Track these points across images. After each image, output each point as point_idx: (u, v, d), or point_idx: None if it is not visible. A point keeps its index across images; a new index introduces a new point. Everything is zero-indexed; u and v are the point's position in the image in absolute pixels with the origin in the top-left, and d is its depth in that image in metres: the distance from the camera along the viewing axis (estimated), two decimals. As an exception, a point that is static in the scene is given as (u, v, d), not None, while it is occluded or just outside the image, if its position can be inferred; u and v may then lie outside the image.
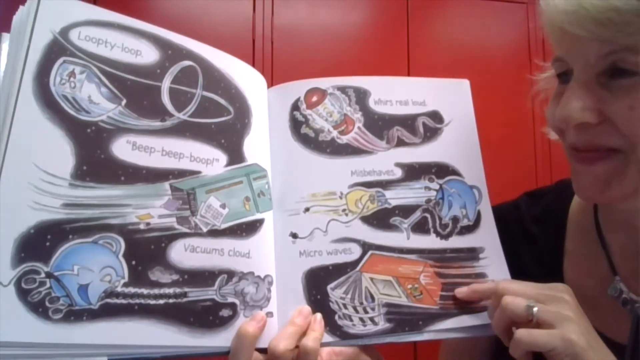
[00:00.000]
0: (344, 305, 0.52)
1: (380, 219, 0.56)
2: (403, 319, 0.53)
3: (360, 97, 0.60)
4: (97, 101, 0.46)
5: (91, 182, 0.44)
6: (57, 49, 0.44)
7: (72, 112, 0.44)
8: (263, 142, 0.56)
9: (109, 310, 0.42)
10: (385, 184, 0.57)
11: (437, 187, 0.58)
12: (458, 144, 0.61)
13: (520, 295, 0.47)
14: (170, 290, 0.45)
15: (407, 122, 0.60)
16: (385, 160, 0.58)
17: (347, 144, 0.58)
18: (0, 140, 0.41)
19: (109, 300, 0.42)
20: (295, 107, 0.58)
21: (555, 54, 0.52)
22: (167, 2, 1.72)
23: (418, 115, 0.61)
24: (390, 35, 1.91)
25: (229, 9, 1.77)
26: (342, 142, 0.58)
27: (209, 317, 0.47)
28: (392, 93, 0.61)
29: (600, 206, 0.60)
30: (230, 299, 0.48)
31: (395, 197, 0.57)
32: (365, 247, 0.54)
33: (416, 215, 0.57)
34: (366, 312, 0.52)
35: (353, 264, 0.54)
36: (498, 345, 0.58)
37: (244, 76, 0.56)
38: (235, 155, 0.52)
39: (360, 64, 1.82)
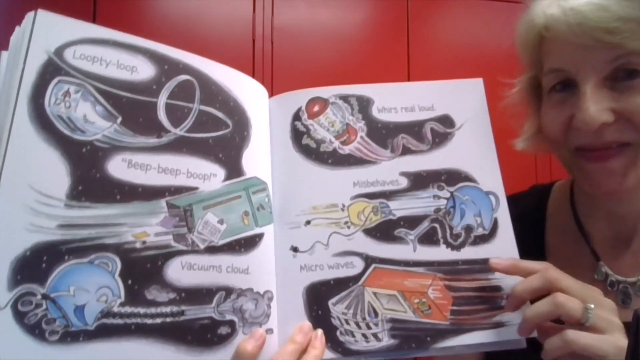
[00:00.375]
0: (346, 320, 0.51)
1: (384, 231, 0.54)
2: (409, 335, 0.51)
3: (363, 105, 0.58)
4: (92, 120, 0.46)
5: (87, 201, 0.44)
6: (52, 69, 0.45)
7: (67, 132, 0.44)
8: (263, 154, 0.55)
9: (105, 330, 0.42)
10: (389, 195, 0.56)
11: (448, 195, 0.56)
12: (472, 147, 0.58)
13: (575, 293, 0.47)
14: (167, 309, 0.45)
15: (414, 129, 0.58)
16: (390, 170, 0.56)
17: (349, 154, 0.56)
18: (-4, 162, 0.41)
19: (105, 320, 0.42)
20: (296, 117, 0.57)
21: (549, 66, 0.57)
22: (167, 3, 1.73)
23: (426, 121, 0.58)
24: (390, 35, 1.89)
25: (229, 9, 1.77)
26: (344, 152, 0.56)
27: (207, 335, 0.46)
28: (397, 100, 0.59)
29: (581, 200, 0.66)
30: (228, 317, 0.48)
31: (400, 207, 0.55)
32: (368, 260, 0.53)
33: (424, 226, 0.55)
34: (369, 327, 0.51)
35: (355, 278, 0.52)
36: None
37: (244, 88, 0.55)
38: (233, 169, 0.52)
39: (360, 64, 1.81)
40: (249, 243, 0.51)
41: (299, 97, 0.58)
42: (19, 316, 0.40)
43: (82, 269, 0.43)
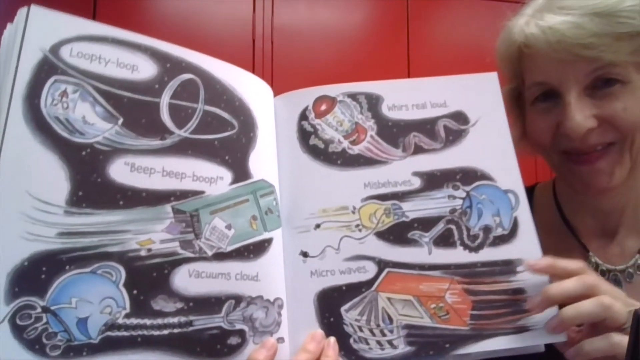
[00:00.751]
0: (360, 327, 0.49)
1: (397, 234, 0.52)
2: (426, 341, 0.49)
3: (373, 103, 0.56)
4: (91, 121, 0.43)
5: (87, 208, 0.41)
6: (48, 68, 0.42)
7: (65, 134, 0.42)
8: (270, 155, 0.53)
9: (110, 343, 0.40)
10: (402, 196, 0.53)
11: (464, 194, 0.54)
12: (487, 144, 0.55)
13: (615, 296, 0.47)
14: (175, 320, 0.43)
15: (426, 126, 0.56)
16: (402, 170, 0.54)
17: (359, 154, 0.54)
18: (-10, 167, 0.39)
19: (110, 333, 0.40)
20: (303, 116, 0.55)
21: (531, 79, 0.62)
22: (167, 2, 1.71)
23: (438, 118, 0.56)
24: (390, 35, 1.90)
25: (229, 9, 1.76)
26: (353, 152, 0.54)
27: (216, 345, 0.44)
28: (408, 97, 0.57)
29: (565, 199, 0.71)
30: (238, 326, 0.46)
31: (414, 209, 0.53)
32: (381, 264, 0.51)
33: (439, 228, 0.53)
34: (384, 334, 0.49)
35: (368, 284, 0.50)
36: None
37: (249, 87, 0.53)
38: (240, 171, 0.50)
39: (360, 64, 1.80)
40: (258, 249, 0.49)
41: (306, 96, 0.56)
42: (18, 331, 0.37)
43: (84, 279, 0.40)
